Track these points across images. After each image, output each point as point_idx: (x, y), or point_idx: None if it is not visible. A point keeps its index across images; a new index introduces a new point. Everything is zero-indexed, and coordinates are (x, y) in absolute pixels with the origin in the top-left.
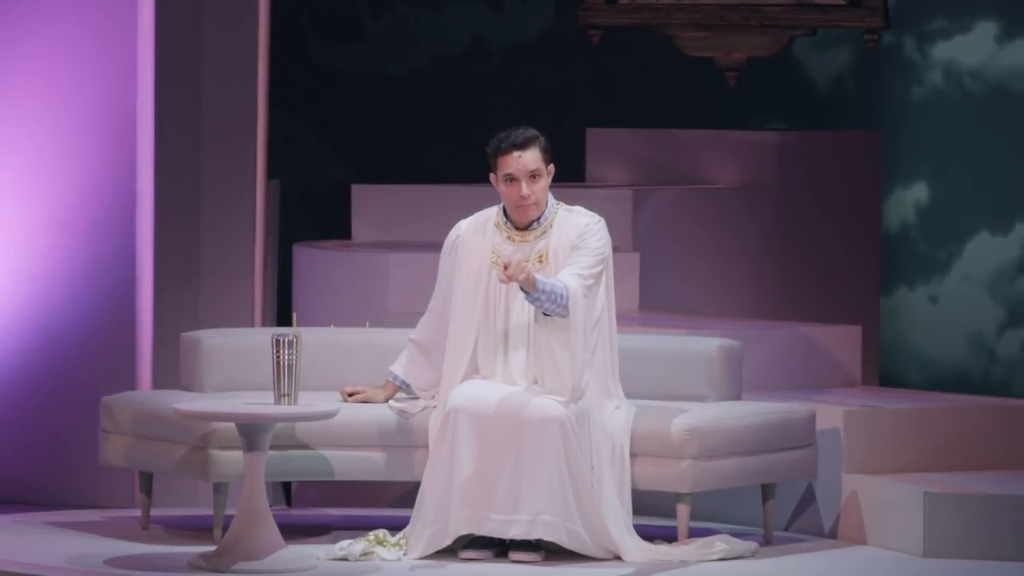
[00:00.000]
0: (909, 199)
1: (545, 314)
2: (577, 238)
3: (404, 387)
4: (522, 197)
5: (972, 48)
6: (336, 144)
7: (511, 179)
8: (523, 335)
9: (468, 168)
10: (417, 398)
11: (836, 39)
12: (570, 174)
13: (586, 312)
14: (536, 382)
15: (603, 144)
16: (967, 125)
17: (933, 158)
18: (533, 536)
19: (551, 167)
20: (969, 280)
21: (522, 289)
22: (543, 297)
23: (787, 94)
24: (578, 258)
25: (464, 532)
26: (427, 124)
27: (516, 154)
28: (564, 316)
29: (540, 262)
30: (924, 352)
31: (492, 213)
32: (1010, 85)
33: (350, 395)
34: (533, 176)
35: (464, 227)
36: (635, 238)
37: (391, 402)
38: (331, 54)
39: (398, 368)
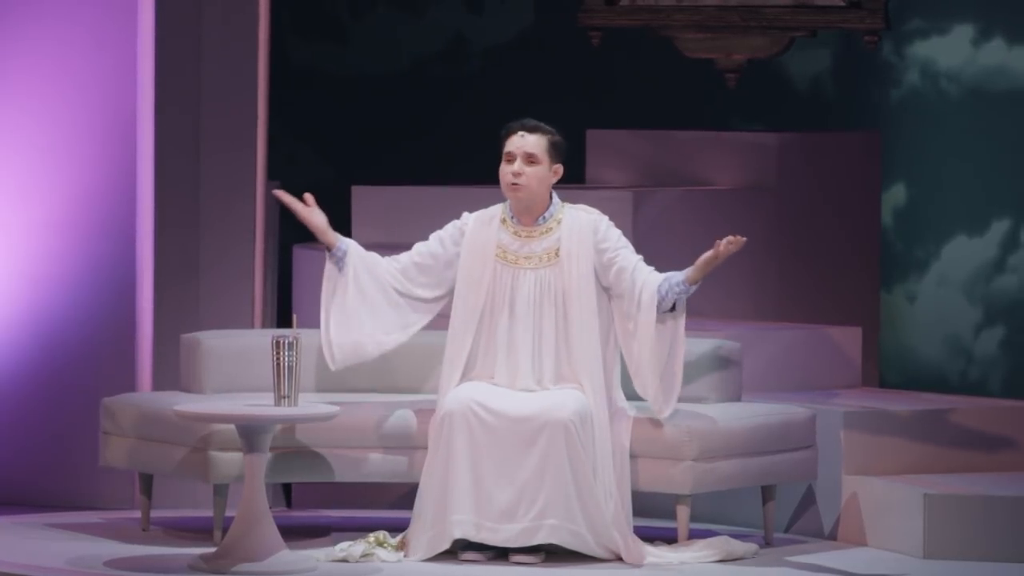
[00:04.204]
0: (888, 200)
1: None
2: (600, 239)
3: (339, 256)
4: (514, 174)
5: (949, 49)
6: (317, 145)
7: (509, 157)
8: (528, 333)
9: (464, 169)
10: (339, 269)
11: (816, 40)
12: (570, 175)
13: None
14: (539, 381)
15: (603, 145)
16: (947, 126)
17: (913, 159)
18: (536, 542)
19: (557, 167)
20: (946, 280)
21: (690, 283)
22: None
23: (767, 96)
24: (628, 255)
25: (460, 536)
26: (416, 125)
27: (521, 133)
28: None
29: (549, 260)
30: (904, 352)
31: (498, 210)
32: (987, 86)
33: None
34: (529, 159)
35: (471, 221)
36: (635, 239)
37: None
38: (312, 55)
39: (357, 246)
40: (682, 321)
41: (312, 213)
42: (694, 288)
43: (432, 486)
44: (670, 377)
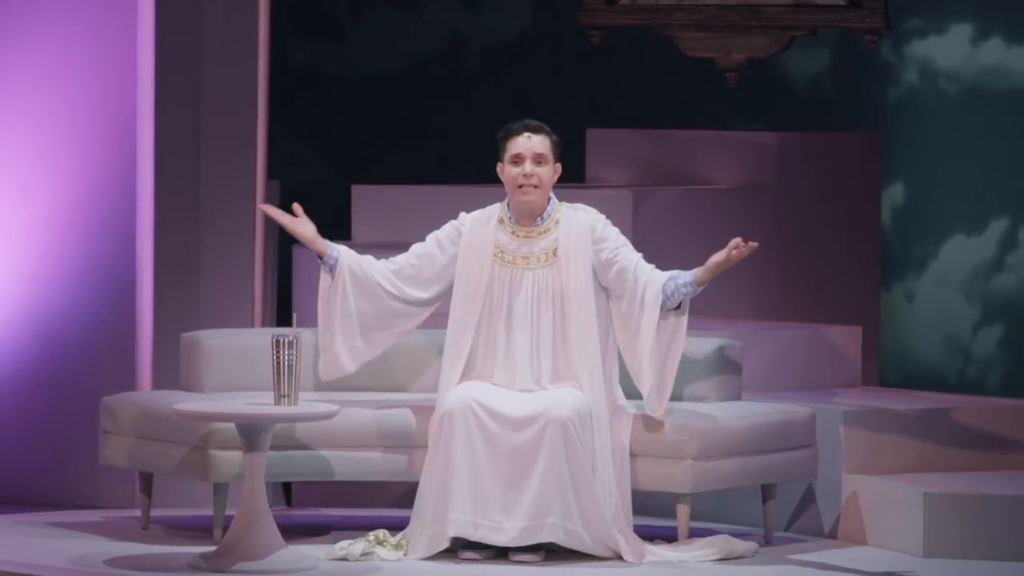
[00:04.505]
0: (887, 200)
1: (675, 308)
2: (598, 238)
3: (330, 264)
4: (525, 176)
5: (948, 49)
6: (317, 145)
7: (517, 158)
8: (526, 334)
9: (463, 168)
10: (332, 278)
11: (816, 40)
12: (570, 175)
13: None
14: (538, 381)
15: (603, 145)
16: (946, 125)
17: (912, 158)
18: (535, 541)
19: (558, 165)
20: (945, 280)
21: (697, 284)
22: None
23: (767, 95)
24: (627, 253)
25: (456, 535)
26: (416, 125)
27: (526, 135)
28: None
29: (547, 260)
30: (904, 351)
31: (495, 210)
32: (986, 85)
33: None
34: (539, 159)
35: (468, 221)
36: (635, 239)
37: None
38: (312, 55)
39: (349, 252)
40: (684, 320)
41: (298, 223)
42: (701, 288)
43: (432, 485)
44: (666, 375)
